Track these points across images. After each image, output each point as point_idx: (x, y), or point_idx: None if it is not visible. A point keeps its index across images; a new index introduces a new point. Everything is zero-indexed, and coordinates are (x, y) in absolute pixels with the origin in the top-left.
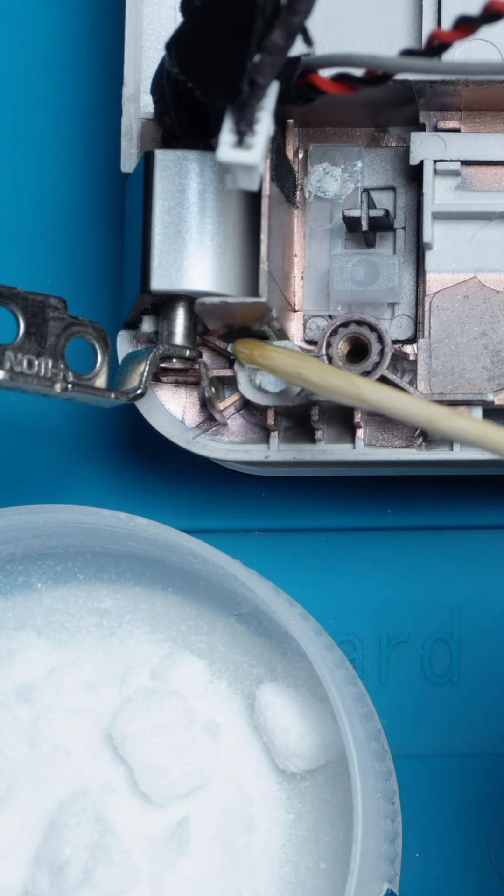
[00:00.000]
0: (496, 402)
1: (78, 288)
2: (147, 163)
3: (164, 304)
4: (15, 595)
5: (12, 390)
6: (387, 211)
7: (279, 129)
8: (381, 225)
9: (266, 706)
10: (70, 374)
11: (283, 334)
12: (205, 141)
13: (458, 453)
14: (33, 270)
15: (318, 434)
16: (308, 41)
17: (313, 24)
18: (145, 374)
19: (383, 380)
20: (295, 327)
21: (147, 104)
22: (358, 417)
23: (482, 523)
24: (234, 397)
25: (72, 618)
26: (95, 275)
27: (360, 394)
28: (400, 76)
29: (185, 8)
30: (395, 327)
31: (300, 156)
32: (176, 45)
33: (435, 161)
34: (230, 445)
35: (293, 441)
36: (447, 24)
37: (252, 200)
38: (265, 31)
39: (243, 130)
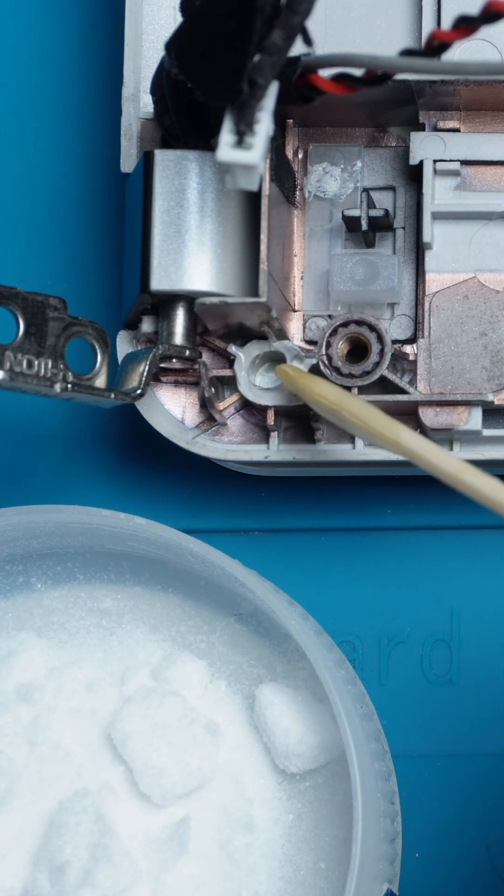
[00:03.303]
0: (496, 402)
1: (78, 288)
2: (147, 163)
3: (163, 304)
4: (15, 595)
5: (12, 390)
6: (386, 211)
7: (279, 129)
8: (381, 225)
9: (266, 706)
10: (70, 374)
11: (283, 334)
12: (205, 141)
13: (458, 453)
14: (33, 270)
15: (318, 434)
16: (308, 41)
17: (313, 24)
18: (145, 374)
19: (383, 380)
20: (295, 327)
21: (147, 104)
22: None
23: (482, 523)
24: (234, 397)
25: (72, 618)
26: (95, 275)
27: (398, 438)
28: (400, 76)
29: (185, 8)
30: (394, 327)
31: (300, 156)
32: (176, 45)
33: (435, 161)
34: (230, 445)
35: (293, 441)
36: (447, 24)
37: (252, 200)
38: (265, 31)
39: (243, 130)
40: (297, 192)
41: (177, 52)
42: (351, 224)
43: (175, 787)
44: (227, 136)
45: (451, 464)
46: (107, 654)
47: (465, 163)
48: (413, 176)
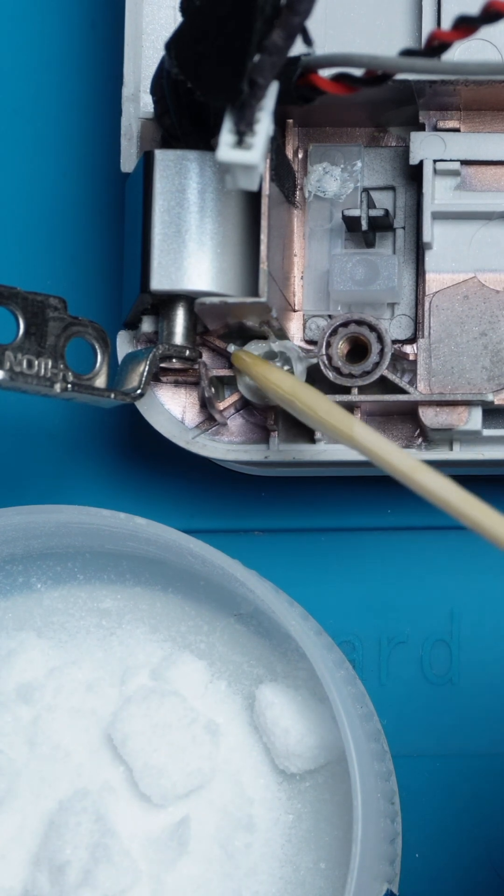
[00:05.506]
0: (496, 402)
1: (78, 288)
2: (147, 163)
3: (163, 304)
4: (15, 595)
5: (12, 390)
6: (386, 211)
7: (279, 128)
8: (381, 225)
9: (266, 706)
10: (70, 374)
11: (283, 334)
12: (205, 141)
13: (458, 453)
14: (33, 270)
15: (318, 434)
16: (308, 41)
17: (313, 24)
18: (145, 374)
19: (383, 380)
20: (295, 327)
21: (147, 104)
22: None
23: None
24: (234, 397)
25: (72, 618)
26: (95, 275)
27: (350, 432)
28: (400, 76)
29: (185, 8)
30: (394, 327)
31: (300, 155)
32: (176, 45)
33: (435, 161)
34: (230, 445)
35: (293, 441)
36: (447, 24)
37: (252, 200)
38: (265, 31)
39: (243, 130)
40: (297, 192)
41: (177, 52)
42: (351, 224)
43: (175, 787)
44: (227, 136)
45: (404, 462)
46: (107, 654)
47: (465, 163)
48: (413, 176)
